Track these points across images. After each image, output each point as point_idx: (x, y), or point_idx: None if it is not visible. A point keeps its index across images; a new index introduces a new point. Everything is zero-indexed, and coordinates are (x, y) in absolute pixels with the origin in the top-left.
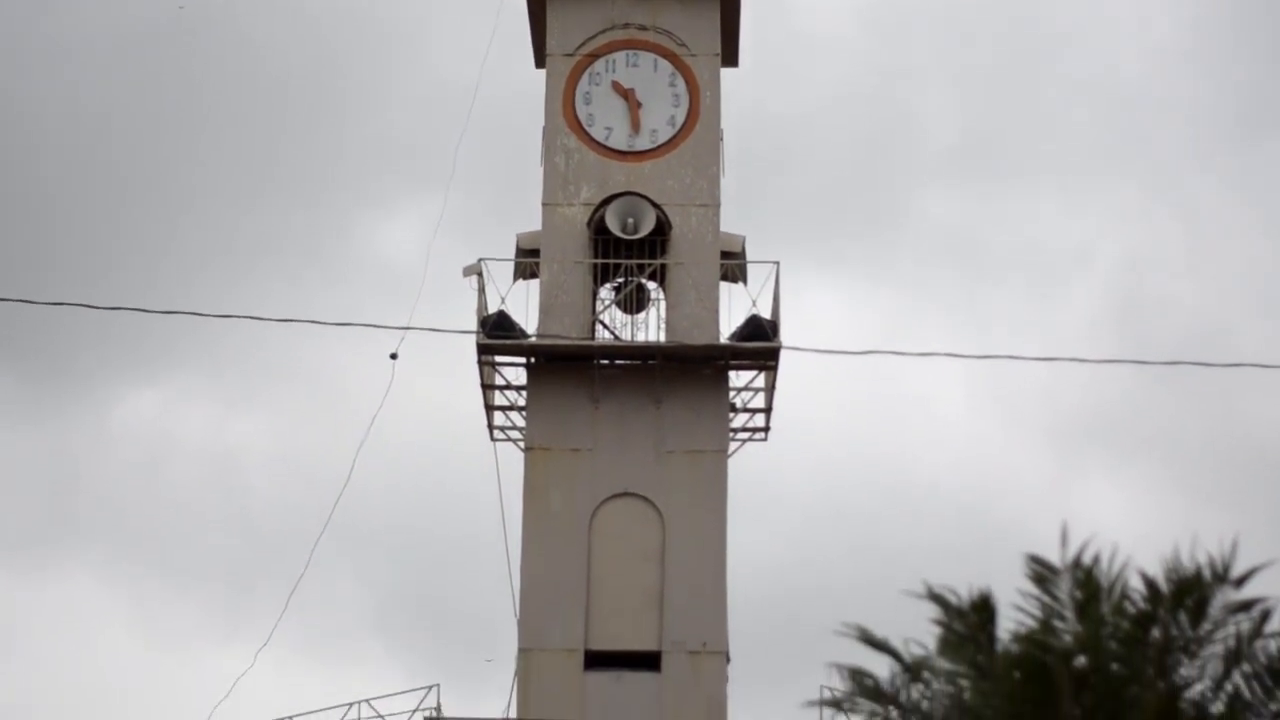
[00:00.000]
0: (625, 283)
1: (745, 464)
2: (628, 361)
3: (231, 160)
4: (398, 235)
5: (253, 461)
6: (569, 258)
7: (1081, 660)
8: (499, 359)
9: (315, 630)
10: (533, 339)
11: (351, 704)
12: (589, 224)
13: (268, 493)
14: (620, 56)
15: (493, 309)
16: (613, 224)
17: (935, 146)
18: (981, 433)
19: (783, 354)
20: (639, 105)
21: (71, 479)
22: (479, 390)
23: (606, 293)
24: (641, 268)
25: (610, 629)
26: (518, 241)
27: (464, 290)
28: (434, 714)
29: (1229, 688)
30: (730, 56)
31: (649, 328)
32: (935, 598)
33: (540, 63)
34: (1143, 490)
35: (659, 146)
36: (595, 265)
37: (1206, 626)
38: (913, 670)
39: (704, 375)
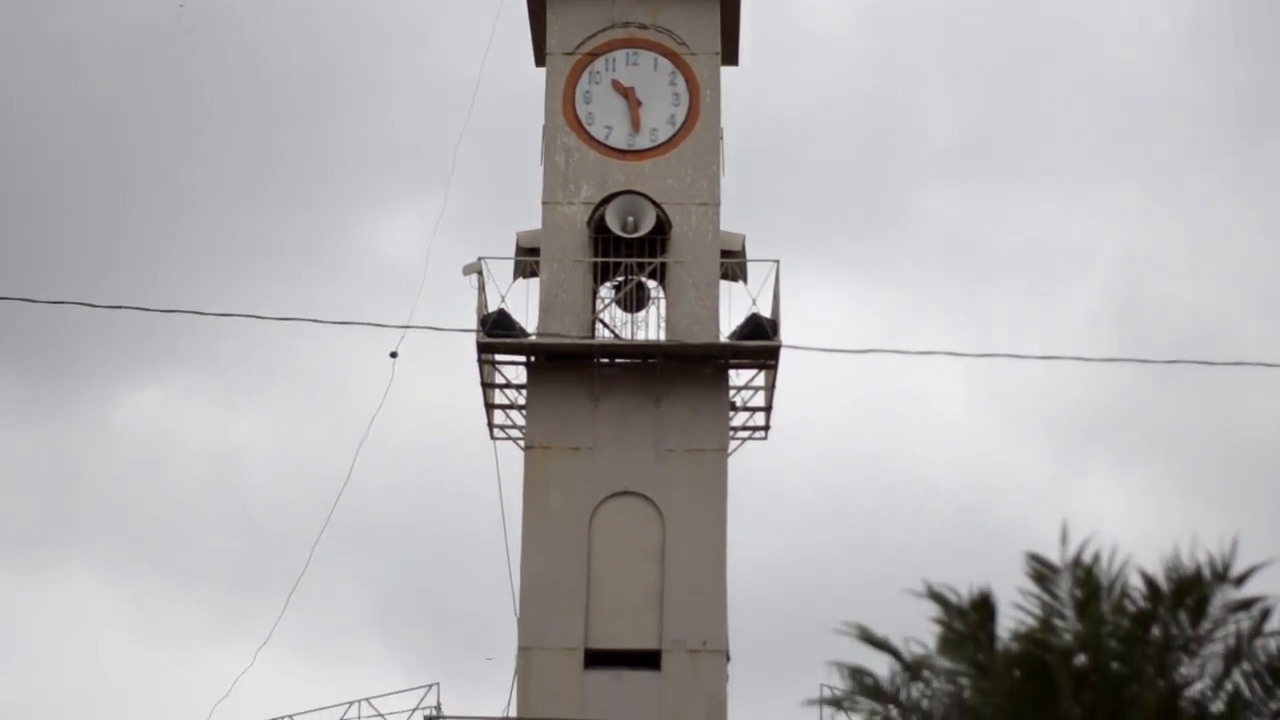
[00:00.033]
0: (625, 281)
1: (745, 463)
2: (628, 360)
3: (232, 159)
4: (398, 234)
5: (253, 460)
6: (569, 256)
7: (1081, 659)
8: (499, 358)
9: (315, 629)
10: (533, 338)
11: (351, 703)
12: (589, 223)
13: (268, 492)
14: (620, 55)
15: (493, 307)
16: (613, 223)
17: (935, 145)
18: (981, 432)
19: (783, 353)
20: (639, 104)
21: (72, 478)
22: (479, 389)
23: (606, 291)
24: (641, 266)
25: (610, 627)
26: (518, 240)
27: (464, 289)
28: (434, 713)
29: (1229, 686)
30: (730, 55)
31: (649, 326)
32: (935, 596)
33: (540, 61)
34: (1143, 489)
35: (659, 145)
36: (595, 264)
37: (1206, 625)
38: (913, 669)
39: (704, 374)
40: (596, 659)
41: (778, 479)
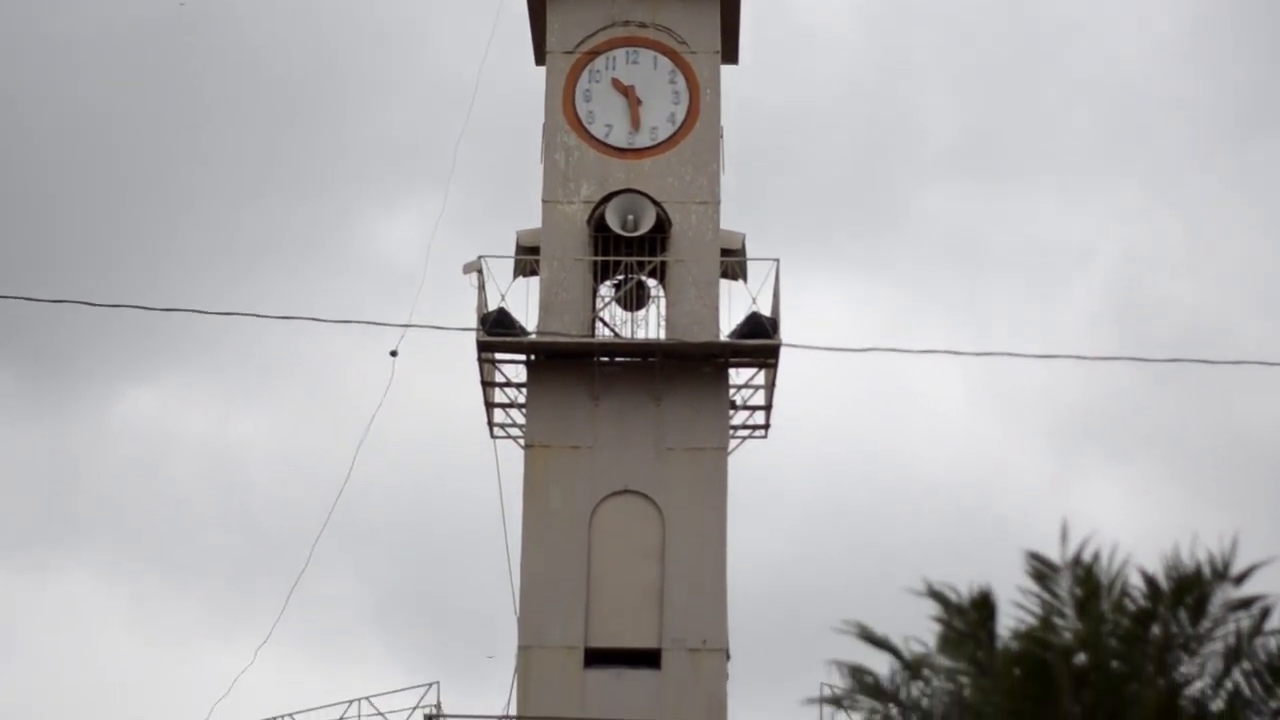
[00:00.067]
0: (625, 280)
1: (745, 461)
2: (628, 359)
3: (232, 158)
4: (398, 233)
5: (253, 459)
6: (569, 255)
7: (1081, 657)
8: (499, 356)
9: (315, 628)
10: (533, 336)
11: (351, 701)
12: (589, 221)
13: (268, 490)
14: (620, 54)
15: (493, 306)
16: (613, 221)
17: (935, 144)
18: (981, 430)
19: (783, 351)
20: (639, 102)
21: (71, 476)
22: (479, 387)
23: (606, 290)
24: (641, 265)
25: (610, 626)
26: (518, 239)
27: (464, 287)
28: (434, 711)
29: (1229, 685)
30: (730, 54)
31: (649, 325)
32: (935, 595)
33: (540, 60)
34: (1142, 488)
35: (659, 144)
36: (595, 262)
37: (1206, 624)
38: (913, 667)
39: (704, 372)
40: (596, 658)
41: (778, 478)
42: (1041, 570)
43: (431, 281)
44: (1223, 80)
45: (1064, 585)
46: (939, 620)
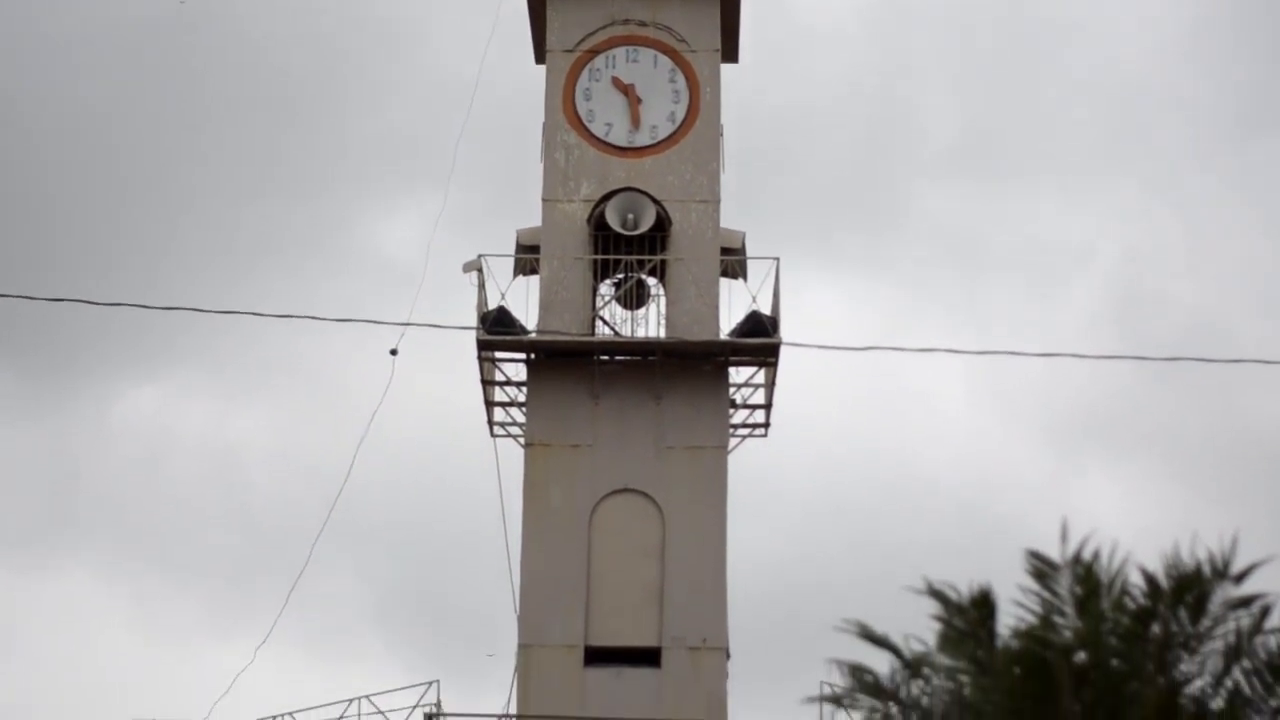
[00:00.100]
0: (625, 279)
1: (745, 460)
2: (628, 357)
3: (232, 156)
4: (398, 231)
5: (253, 457)
6: (569, 254)
7: (1081, 656)
8: (499, 355)
9: (315, 626)
10: (533, 335)
11: (351, 700)
12: (589, 220)
13: (268, 489)
14: (620, 52)
15: (493, 305)
16: (613, 220)
17: (935, 143)
18: (981, 429)
19: (783, 350)
20: (639, 101)
21: (71, 475)
22: (479, 386)
23: (606, 289)
24: (641, 264)
25: (610, 625)
26: (518, 237)
27: (464, 286)
28: (434, 710)
29: (1229, 684)
30: (730, 52)
31: (649, 324)
32: (935, 593)
33: (540, 59)
34: (1142, 486)
35: (659, 142)
36: (595, 261)
37: (1206, 622)
38: (913, 666)
39: (704, 371)
40: (596, 656)
41: (778, 476)
42: (1041, 569)
43: (431, 280)
44: (1223, 80)
45: (1064, 584)
46: (939, 619)
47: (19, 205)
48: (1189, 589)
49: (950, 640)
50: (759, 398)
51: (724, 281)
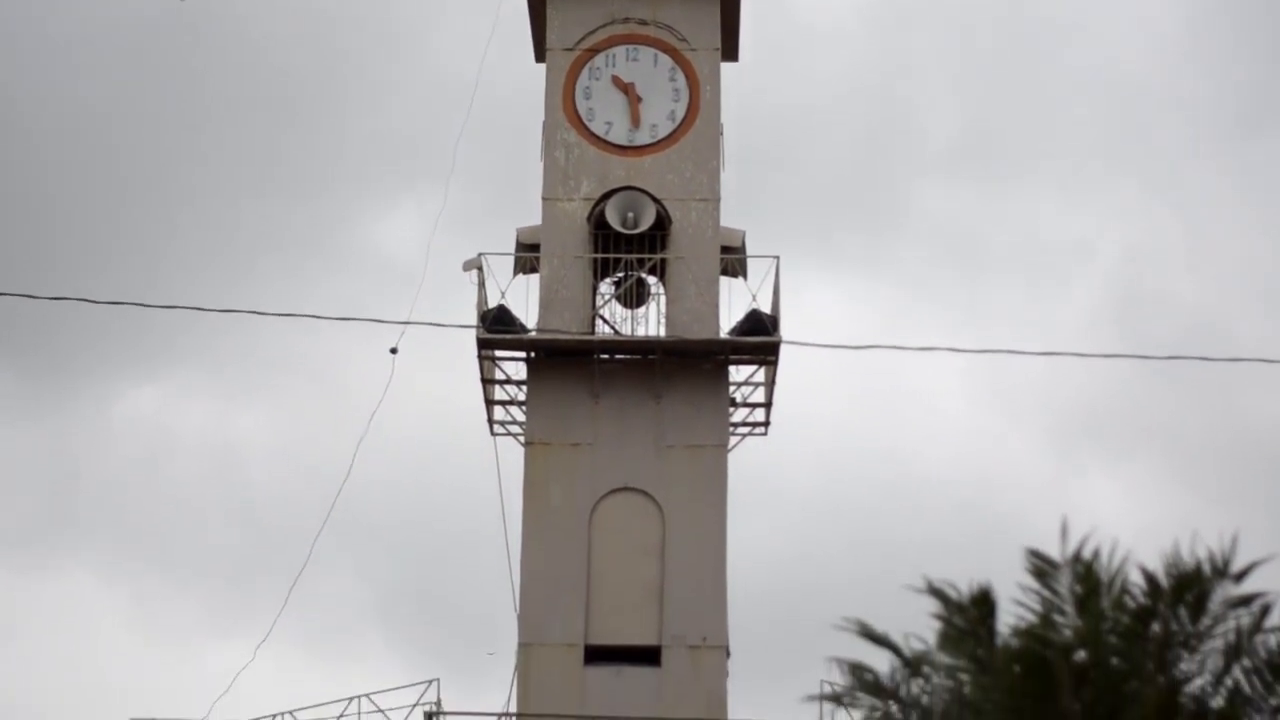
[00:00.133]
0: (625, 277)
1: (745, 459)
2: (628, 356)
3: (232, 155)
4: (398, 230)
5: (253, 456)
6: (569, 252)
7: (1081, 655)
8: (499, 354)
9: (315, 625)
10: (533, 334)
11: (352, 698)
12: (589, 218)
13: (268, 488)
14: (620, 51)
15: (493, 303)
16: (613, 218)
17: (935, 142)
18: (981, 428)
19: (783, 349)
20: (639, 100)
21: (71, 475)
22: (479, 385)
23: (606, 287)
24: (641, 262)
25: (610, 624)
26: (518, 236)
27: (464, 285)
28: (434, 709)
29: (1229, 682)
30: (730, 51)
31: (649, 322)
32: (935, 592)
33: (540, 57)
34: (1142, 485)
35: (659, 141)
36: (595, 260)
37: (1206, 621)
38: (913, 665)
39: (704, 370)
40: (596, 655)
41: (778, 475)
42: (1041, 567)
43: (431, 279)
44: (1223, 79)
45: (1064, 582)
46: (939, 617)
47: (19, 205)
48: (1189, 588)
49: (950, 639)
50: (759, 396)
51: (724, 280)
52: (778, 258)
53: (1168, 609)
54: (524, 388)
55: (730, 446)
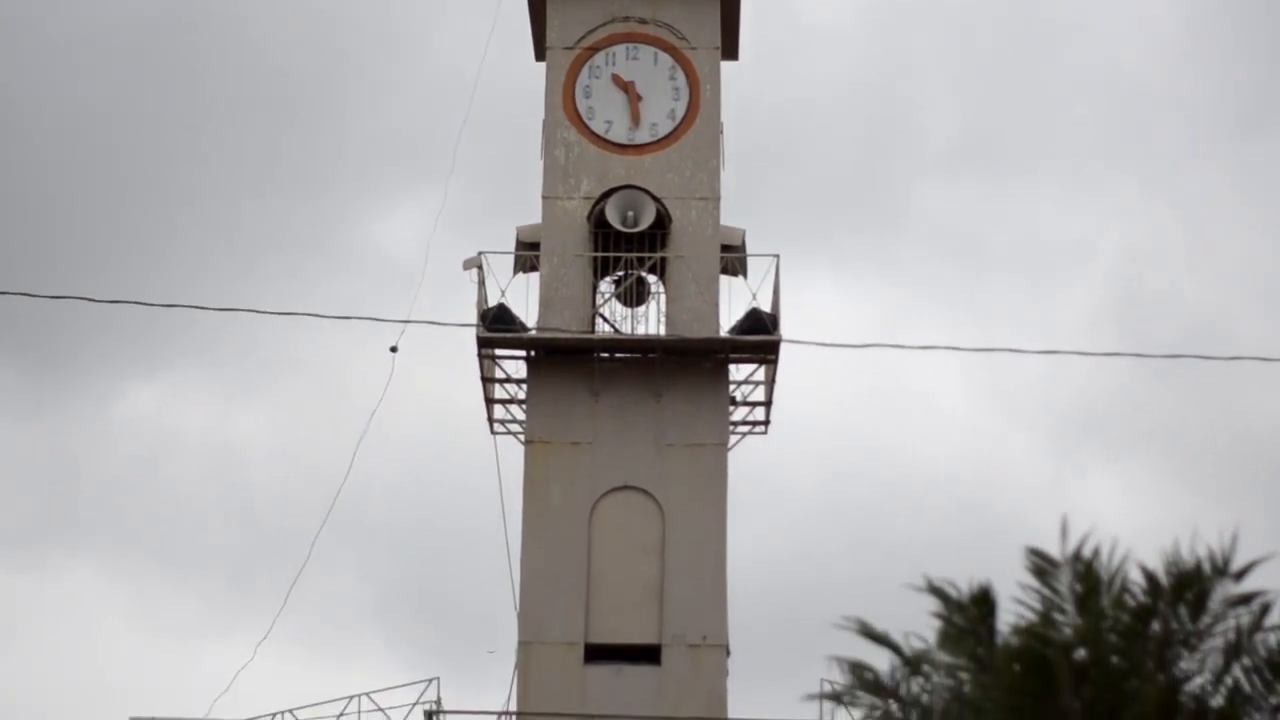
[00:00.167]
0: (625, 276)
1: (745, 457)
2: (628, 355)
3: (232, 154)
4: (398, 229)
5: (253, 455)
6: (569, 251)
7: (1081, 653)
8: (499, 352)
9: (315, 624)
10: (533, 332)
11: (352, 697)
12: (589, 217)
13: (268, 486)
14: (620, 50)
15: (493, 302)
16: (613, 217)
17: (936, 141)
18: (981, 426)
19: (783, 347)
20: (639, 98)
21: (72, 473)
22: (479, 383)
23: (606, 286)
24: (641, 261)
25: (610, 622)
26: (517, 235)
27: (464, 283)
28: (434, 707)
29: (1229, 681)
30: (730, 50)
31: (649, 321)
32: (935, 591)
33: (540, 56)
34: (1142, 484)
35: (659, 140)
36: (595, 258)
37: (1206, 620)
38: (913, 663)
39: (704, 368)
40: (596, 654)
41: (777, 474)
42: (1041, 566)
43: (432, 277)
44: (1222, 79)
45: (1064, 581)
46: (939, 616)
47: (19, 205)
48: (1189, 586)
49: (950, 637)
50: (759, 395)
51: (724, 279)
52: (778, 256)
53: (1168, 608)
54: (524, 386)
55: (730, 445)
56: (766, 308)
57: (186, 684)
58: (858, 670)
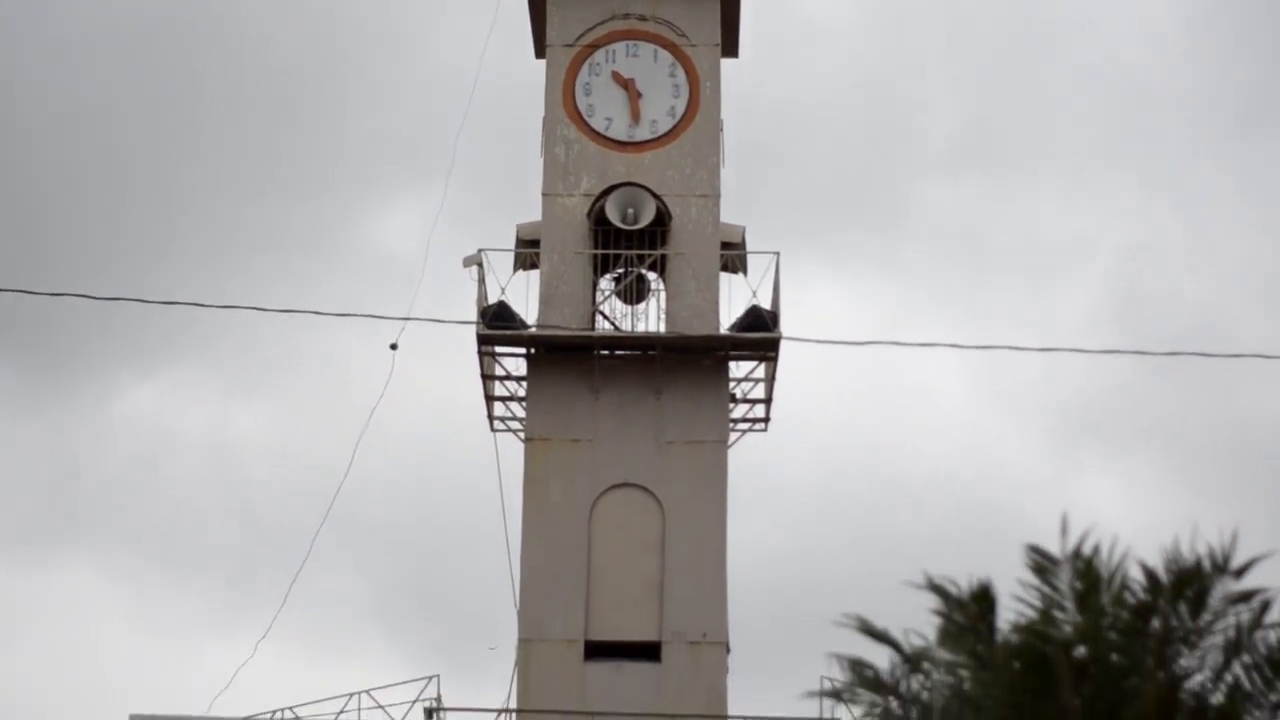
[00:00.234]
0: (625, 273)
1: (745, 454)
2: (628, 352)
3: (232, 152)
4: (398, 226)
5: (253, 453)
6: (569, 248)
7: (1081, 651)
8: (499, 349)
9: (315, 621)
10: (533, 329)
11: (352, 695)
12: (589, 214)
13: (268, 484)
14: (620, 47)
15: (493, 299)
16: (613, 214)
17: (936, 138)
18: (981, 424)
19: (783, 344)
20: (639, 95)
21: (71, 472)
22: (479, 381)
23: (606, 283)
24: (641, 258)
25: (610, 619)
26: (518, 232)
27: (464, 281)
28: (434, 704)
29: (1229, 678)
30: (730, 47)
31: (649, 318)
32: (935, 588)
33: (540, 53)
34: (1142, 481)
35: (659, 137)
36: (595, 256)
37: (1206, 617)
38: (913, 661)
39: (704, 366)
40: (596, 651)
41: (778, 471)
42: (1041, 564)
43: (431, 275)
44: (1223, 78)
45: (1064, 578)
46: (939, 613)
47: (19, 204)
48: (1189, 584)
49: (950, 635)
50: (759, 392)
51: (724, 276)
52: (778, 254)
53: (1168, 605)
54: (524, 384)
55: (730, 442)
56: (766, 305)
57: (186, 682)
58: (858, 667)
